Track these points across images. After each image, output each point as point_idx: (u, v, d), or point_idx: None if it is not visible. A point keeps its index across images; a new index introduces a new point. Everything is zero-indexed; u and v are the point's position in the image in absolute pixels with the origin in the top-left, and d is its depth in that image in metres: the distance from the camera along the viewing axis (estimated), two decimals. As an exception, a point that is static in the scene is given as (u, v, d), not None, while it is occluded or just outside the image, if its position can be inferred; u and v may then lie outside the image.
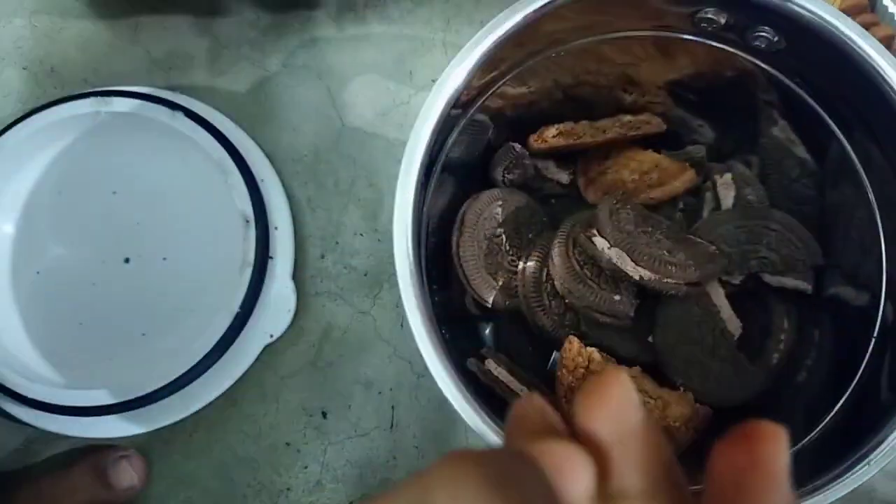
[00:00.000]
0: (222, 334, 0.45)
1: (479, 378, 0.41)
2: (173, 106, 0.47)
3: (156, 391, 0.44)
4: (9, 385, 0.45)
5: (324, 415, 0.49)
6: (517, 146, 0.46)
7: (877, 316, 0.39)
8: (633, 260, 0.39)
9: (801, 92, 0.40)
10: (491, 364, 0.41)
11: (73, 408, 0.45)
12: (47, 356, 0.47)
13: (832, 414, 0.39)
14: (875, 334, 0.39)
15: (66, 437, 0.47)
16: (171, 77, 0.52)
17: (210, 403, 0.47)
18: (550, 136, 0.44)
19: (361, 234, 0.51)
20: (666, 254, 0.39)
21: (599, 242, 0.40)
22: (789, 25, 0.36)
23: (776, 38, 0.38)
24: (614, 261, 0.39)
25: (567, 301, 0.41)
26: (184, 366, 0.44)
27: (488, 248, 0.44)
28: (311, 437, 0.49)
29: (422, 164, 0.36)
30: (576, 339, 0.40)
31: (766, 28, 0.38)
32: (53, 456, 0.48)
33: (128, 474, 0.46)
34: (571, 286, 0.40)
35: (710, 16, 0.38)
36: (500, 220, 0.44)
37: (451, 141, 0.41)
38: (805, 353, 0.42)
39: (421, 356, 0.49)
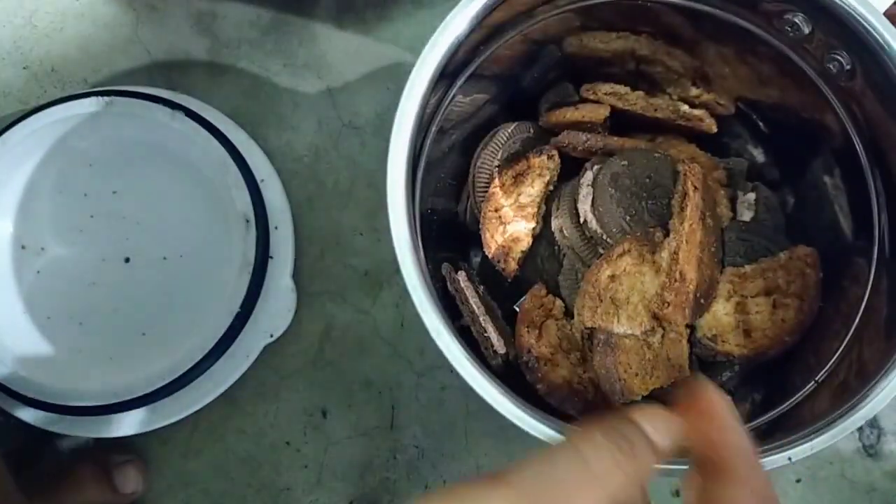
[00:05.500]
0: (222, 334, 0.45)
1: (447, 285, 0.42)
2: (173, 105, 0.47)
3: (156, 391, 0.44)
4: (8, 384, 0.45)
5: (324, 414, 0.49)
6: (570, 86, 0.46)
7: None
8: (592, 202, 0.40)
9: (857, 144, 0.40)
10: (461, 275, 0.42)
11: (73, 407, 0.45)
12: (47, 355, 0.47)
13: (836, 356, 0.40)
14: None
15: (66, 437, 0.47)
16: (171, 77, 0.52)
17: (210, 403, 0.47)
18: (603, 91, 0.44)
19: (361, 234, 0.51)
20: (626, 220, 0.40)
21: (587, 176, 0.41)
22: (864, 52, 0.36)
23: (848, 66, 0.38)
24: (581, 196, 0.41)
25: (555, 245, 0.42)
26: (183, 365, 0.44)
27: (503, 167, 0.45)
28: (311, 436, 0.49)
29: (438, 65, 0.36)
30: (545, 286, 0.42)
31: (843, 53, 0.38)
32: (56, 455, 0.48)
33: (132, 479, 0.46)
34: (566, 224, 0.42)
35: (797, 21, 0.38)
36: (521, 151, 0.45)
37: (489, 52, 0.41)
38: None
39: (422, 356, 0.50)
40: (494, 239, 0.43)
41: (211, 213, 0.48)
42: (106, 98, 0.47)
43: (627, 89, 0.44)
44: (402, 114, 0.36)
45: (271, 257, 0.47)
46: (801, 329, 0.40)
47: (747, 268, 0.41)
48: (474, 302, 0.41)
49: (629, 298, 0.38)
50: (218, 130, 0.47)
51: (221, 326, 0.45)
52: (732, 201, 0.44)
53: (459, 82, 0.41)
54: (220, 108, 0.51)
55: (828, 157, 0.43)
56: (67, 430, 0.46)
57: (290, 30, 0.53)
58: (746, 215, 0.43)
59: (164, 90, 0.51)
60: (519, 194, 0.43)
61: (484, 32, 0.39)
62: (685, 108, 0.45)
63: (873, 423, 0.50)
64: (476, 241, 0.45)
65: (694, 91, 0.45)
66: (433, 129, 0.40)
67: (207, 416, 0.49)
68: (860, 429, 0.49)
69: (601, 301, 0.39)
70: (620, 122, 0.45)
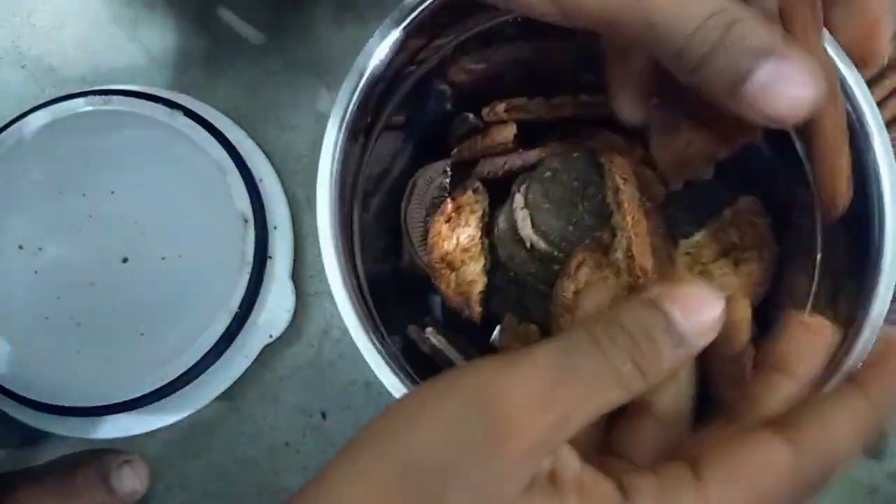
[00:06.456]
0: (221, 334, 0.45)
1: (419, 346, 0.42)
2: (172, 105, 0.47)
3: (154, 391, 0.44)
4: (6, 385, 0.45)
5: (323, 415, 0.49)
6: (471, 116, 0.45)
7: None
8: (532, 224, 0.39)
9: None
10: (430, 332, 0.41)
11: (71, 408, 0.45)
12: (45, 356, 0.46)
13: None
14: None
15: (65, 438, 0.47)
16: (170, 76, 0.52)
17: (209, 404, 0.47)
18: (501, 110, 0.43)
19: (361, 234, 0.51)
20: (569, 229, 0.39)
21: (518, 199, 0.40)
22: None
23: None
24: (518, 221, 0.39)
25: (511, 272, 0.42)
26: (182, 366, 0.44)
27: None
28: (310, 437, 0.49)
29: (345, 129, 0.36)
30: (514, 316, 0.41)
31: None
32: (57, 458, 0.48)
33: (130, 480, 0.46)
34: (514, 250, 0.40)
35: None
36: (446, 192, 0.44)
37: (391, 105, 0.40)
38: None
39: (421, 356, 0.49)
40: (450, 288, 0.42)
41: (210, 212, 0.48)
42: (104, 97, 0.47)
43: (525, 100, 0.43)
44: (321, 201, 0.35)
45: (270, 257, 0.47)
46: (768, 276, 0.40)
47: (697, 236, 0.40)
48: (452, 356, 0.40)
49: (599, 307, 0.38)
50: (217, 130, 0.47)
51: (220, 327, 0.45)
52: (661, 175, 0.43)
53: (373, 139, 0.40)
54: (219, 107, 0.51)
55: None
56: (66, 430, 0.46)
57: (290, 29, 0.52)
58: (677, 184, 0.43)
59: (163, 89, 0.51)
60: (458, 237, 0.42)
61: (383, 84, 0.38)
62: (584, 97, 0.43)
63: (875, 424, 0.49)
64: (428, 284, 0.44)
65: (586, 75, 0.44)
66: (357, 201, 0.40)
67: (206, 417, 0.48)
68: (862, 430, 0.49)
69: (574, 318, 0.38)
70: (533, 129, 0.44)
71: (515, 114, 0.43)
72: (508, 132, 0.42)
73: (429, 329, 0.41)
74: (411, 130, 0.44)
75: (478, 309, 0.42)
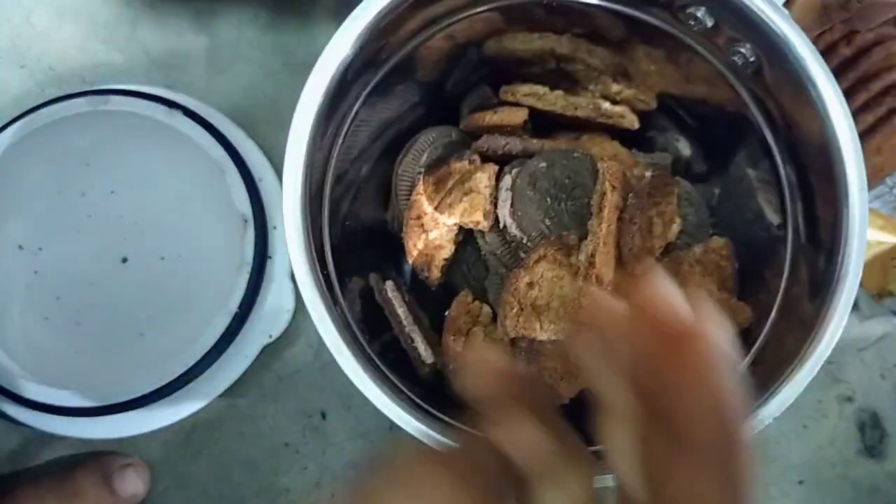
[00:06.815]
0: (221, 334, 0.44)
1: (374, 295, 0.42)
2: (171, 104, 0.47)
3: (154, 392, 0.44)
4: (6, 385, 0.45)
5: (323, 415, 0.49)
6: (489, 89, 0.45)
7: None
8: (511, 206, 0.39)
9: (771, 141, 0.39)
10: (389, 284, 0.41)
11: (71, 408, 0.44)
12: (45, 356, 0.46)
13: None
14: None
15: (64, 438, 0.47)
16: (169, 75, 0.52)
17: (209, 404, 0.47)
18: (521, 93, 0.43)
19: (361, 234, 0.51)
20: (545, 223, 0.39)
21: (506, 180, 0.40)
22: (766, 43, 0.36)
23: (752, 58, 0.37)
24: (500, 200, 0.40)
25: (480, 249, 0.42)
26: (182, 366, 0.44)
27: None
28: (310, 437, 0.49)
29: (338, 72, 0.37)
30: (471, 293, 0.42)
31: (746, 46, 0.37)
32: (56, 458, 0.48)
33: (132, 483, 0.46)
34: (490, 235, 0.41)
35: (699, 14, 0.38)
36: (443, 156, 0.44)
37: (392, 63, 0.40)
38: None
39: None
40: (416, 247, 0.42)
41: (209, 212, 0.47)
42: (104, 97, 0.47)
43: (546, 89, 0.43)
44: (301, 114, 0.35)
45: (270, 257, 0.47)
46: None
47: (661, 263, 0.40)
48: (401, 311, 0.40)
49: (549, 304, 0.38)
50: (216, 129, 0.47)
51: (220, 327, 0.45)
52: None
53: (376, 79, 0.40)
54: (219, 106, 0.51)
55: (753, 149, 0.42)
56: (66, 431, 0.46)
57: (289, 28, 0.52)
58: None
59: (162, 89, 0.51)
60: (439, 200, 0.42)
61: (415, 24, 0.38)
62: (606, 105, 0.44)
63: (876, 424, 0.49)
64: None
65: (615, 87, 0.45)
66: (341, 138, 0.39)
67: (206, 418, 0.48)
68: (862, 430, 0.49)
69: (522, 309, 0.38)
70: (545, 122, 0.44)
71: (532, 100, 0.43)
72: (520, 116, 0.42)
73: (389, 282, 0.41)
74: (429, 89, 0.44)
75: (437, 274, 0.42)
